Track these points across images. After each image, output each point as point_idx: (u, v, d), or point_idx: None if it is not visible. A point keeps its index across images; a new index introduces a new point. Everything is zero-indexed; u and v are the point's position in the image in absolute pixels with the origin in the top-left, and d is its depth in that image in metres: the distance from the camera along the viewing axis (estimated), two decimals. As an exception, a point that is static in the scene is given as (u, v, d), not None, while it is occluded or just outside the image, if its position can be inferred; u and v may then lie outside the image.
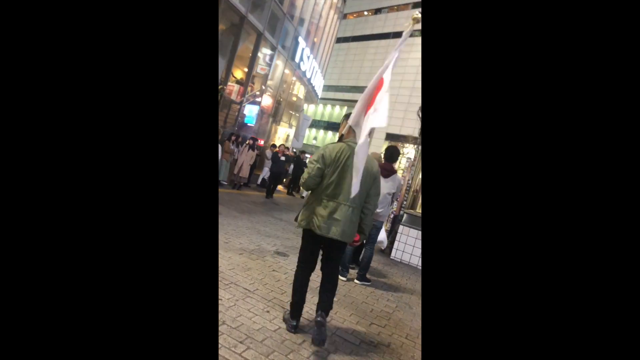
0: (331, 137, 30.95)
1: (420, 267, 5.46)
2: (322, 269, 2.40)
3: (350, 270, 4.05)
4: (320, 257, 2.43)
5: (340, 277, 3.80)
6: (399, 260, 5.57)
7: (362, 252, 3.96)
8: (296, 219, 2.38)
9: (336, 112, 31.28)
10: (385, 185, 3.83)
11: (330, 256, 2.37)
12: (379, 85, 2.15)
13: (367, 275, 3.93)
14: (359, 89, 28.25)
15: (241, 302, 2.59)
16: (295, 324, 2.34)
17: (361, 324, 2.81)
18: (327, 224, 2.18)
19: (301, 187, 2.62)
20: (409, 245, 5.61)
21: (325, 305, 2.28)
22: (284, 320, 2.43)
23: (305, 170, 2.27)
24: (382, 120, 1.94)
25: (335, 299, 3.11)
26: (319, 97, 17.82)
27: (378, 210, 3.77)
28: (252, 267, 3.39)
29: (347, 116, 2.42)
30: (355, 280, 3.84)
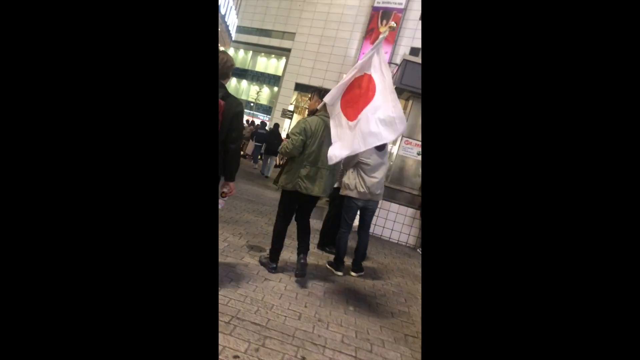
0: (235, 84, 28.39)
1: (385, 237, 5.24)
2: (298, 221, 2.89)
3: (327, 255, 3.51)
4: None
5: (336, 272, 3.27)
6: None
7: (357, 239, 3.42)
8: (275, 183, 2.86)
9: (240, 56, 28.48)
10: (383, 165, 3.24)
11: (305, 211, 2.89)
12: (364, 82, 2.43)
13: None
14: (266, 32, 25.97)
15: (263, 352, 1.82)
16: (275, 265, 2.87)
17: (399, 340, 2.33)
18: (312, 184, 2.68)
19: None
20: (371, 215, 5.28)
21: (304, 248, 2.82)
22: (262, 263, 2.93)
23: (289, 141, 2.67)
24: (393, 135, 2.40)
25: (351, 308, 2.57)
26: (233, 39, 15.56)
27: (378, 192, 3.21)
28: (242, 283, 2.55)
29: (318, 92, 2.88)
30: (352, 273, 3.33)
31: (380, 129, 2.31)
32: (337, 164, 2.62)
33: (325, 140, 2.63)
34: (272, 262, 2.85)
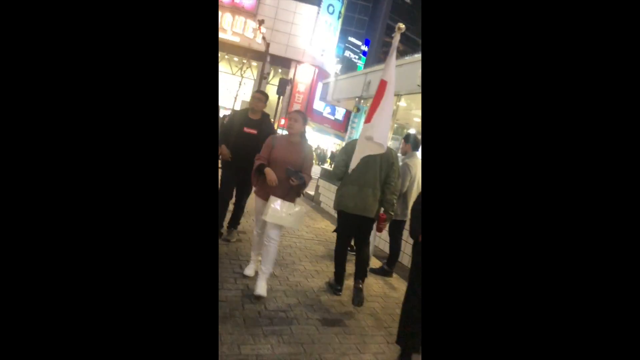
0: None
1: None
2: (355, 246, 2.90)
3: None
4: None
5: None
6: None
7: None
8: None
9: None
10: None
11: (360, 234, 2.84)
12: (381, 88, 2.52)
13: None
14: None
15: None
16: (340, 287, 2.84)
17: None
18: (350, 202, 2.68)
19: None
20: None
21: (361, 274, 2.75)
22: (329, 285, 2.91)
23: (335, 162, 2.88)
24: (381, 137, 2.43)
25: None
26: None
27: None
28: None
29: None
30: None
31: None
32: (385, 183, 2.72)
33: (371, 160, 2.64)
34: (337, 283, 2.85)
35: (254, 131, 3.17)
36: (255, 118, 3.24)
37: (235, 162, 2.95)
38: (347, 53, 35.12)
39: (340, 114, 26.60)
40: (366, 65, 34.60)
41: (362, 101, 7.32)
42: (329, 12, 21.08)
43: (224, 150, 3.12)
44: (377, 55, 37.79)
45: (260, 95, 3.29)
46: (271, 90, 18.54)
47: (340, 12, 22.33)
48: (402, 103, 6.57)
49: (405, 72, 5.37)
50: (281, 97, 11.03)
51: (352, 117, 7.99)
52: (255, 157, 2.49)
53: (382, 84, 2.51)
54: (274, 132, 3.40)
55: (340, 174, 2.76)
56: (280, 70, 21.12)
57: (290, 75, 19.87)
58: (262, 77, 15.16)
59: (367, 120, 2.55)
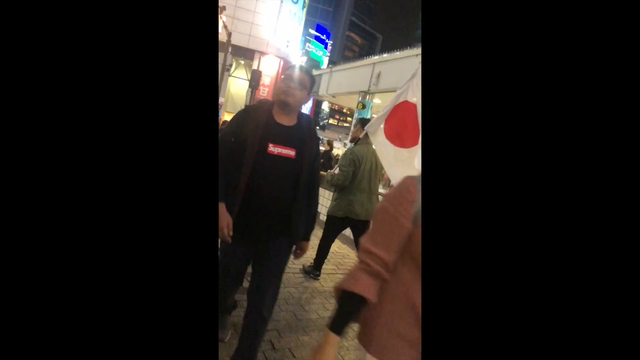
0: None
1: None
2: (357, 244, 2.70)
3: None
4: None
5: None
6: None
7: None
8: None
9: None
10: None
11: (359, 236, 3.11)
12: (405, 107, 2.53)
13: None
14: None
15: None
16: (319, 273, 3.21)
17: None
18: (364, 209, 2.96)
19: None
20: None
21: None
22: (306, 271, 3.26)
23: (340, 173, 2.94)
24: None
25: None
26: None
27: None
28: None
29: (362, 121, 3.17)
30: None
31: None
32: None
33: (373, 167, 2.91)
34: (316, 270, 3.21)
35: (291, 151, 1.56)
36: (288, 123, 1.60)
37: (247, 221, 1.51)
38: (307, 45, 34.36)
39: (306, 108, 25.88)
40: (330, 59, 34.06)
41: (368, 96, 6.55)
42: (292, 1, 20.13)
43: (223, 217, 1.45)
44: (340, 49, 37.41)
45: (301, 74, 1.59)
46: (234, 84, 17.39)
47: (304, 2, 21.42)
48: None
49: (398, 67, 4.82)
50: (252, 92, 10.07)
51: (355, 116, 7.26)
52: (363, 240, 0.98)
53: (412, 107, 2.42)
54: (318, 151, 1.74)
55: (342, 186, 2.86)
56: (242, 62, 19.96)
57: (254, 67, 18.85)
58: (224, 69, 14.05)
59: (398, 142, 2.48)
